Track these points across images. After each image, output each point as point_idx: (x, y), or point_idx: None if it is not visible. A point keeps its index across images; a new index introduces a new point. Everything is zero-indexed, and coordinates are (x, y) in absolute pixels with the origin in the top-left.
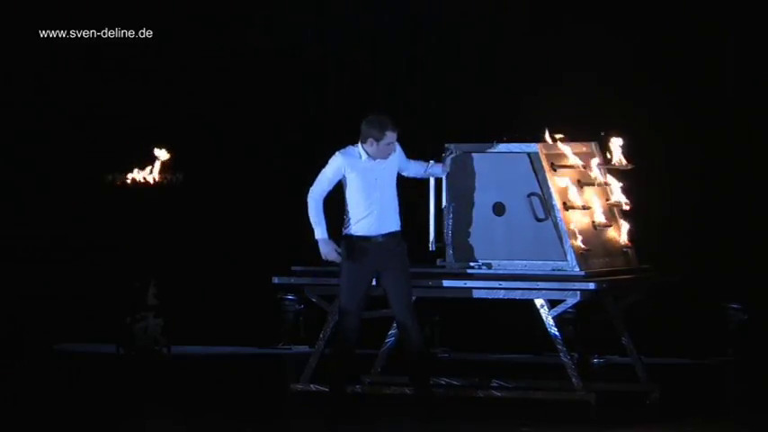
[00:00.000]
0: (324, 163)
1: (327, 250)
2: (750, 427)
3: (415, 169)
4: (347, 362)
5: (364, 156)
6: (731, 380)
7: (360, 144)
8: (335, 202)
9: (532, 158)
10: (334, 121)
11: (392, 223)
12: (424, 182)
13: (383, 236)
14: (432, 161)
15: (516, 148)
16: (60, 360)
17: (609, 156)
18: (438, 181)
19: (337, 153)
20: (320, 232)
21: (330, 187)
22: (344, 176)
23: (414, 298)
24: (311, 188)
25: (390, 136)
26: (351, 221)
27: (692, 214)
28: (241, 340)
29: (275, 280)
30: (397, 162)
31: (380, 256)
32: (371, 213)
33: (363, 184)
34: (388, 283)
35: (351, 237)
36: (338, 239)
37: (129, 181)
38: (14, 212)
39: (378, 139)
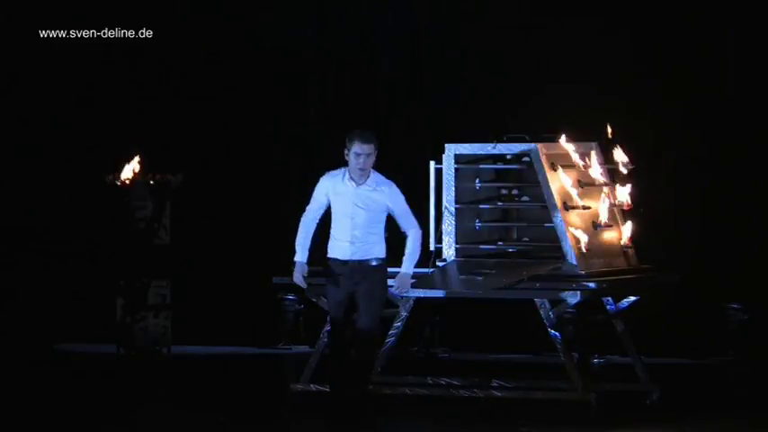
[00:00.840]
0: (323, 163)
1: (296, 274)
2: (750, 427)
3: (402, 228)
4: (341, 362)
5: (347, 178)
6: (731, 380)
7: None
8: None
9: (532, 158)
10: (334, 122)
11: (371, 251)
12: (423, 183)
13: (359, 262)
14: (407, 252)
15: (516, 148)
16: (60, 360)
17: (609, 156)
18: (438, 182)
19: (325, 175)
20: (298, 255)
21: (320, 209)
22: (329, 199)
23: (413, 298)
24: (306, 209)
25: (358, 147)
26: (331, 243)
27: (693, 214)
28: (241, 340)
29: (275, 280)
30: (387, 201)
31: (354, 278)
32: (348, 239)
33: (342, 208)
34: (359, 298)
35: (329, 259)
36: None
37: (128, 181)
38: (14, 212)
39: (347, 149)
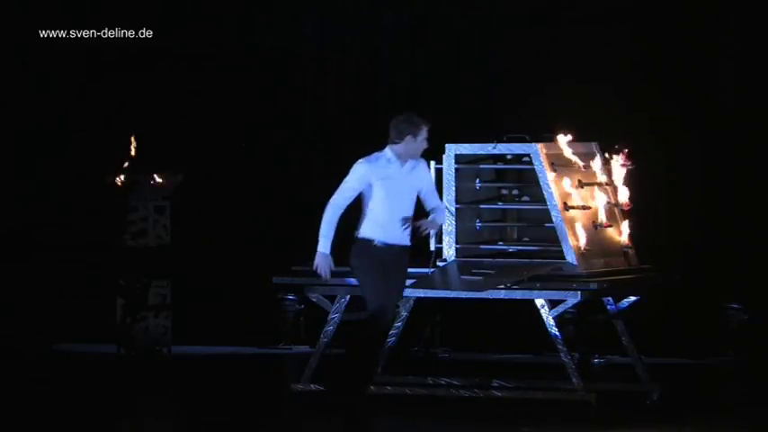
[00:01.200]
0: (323, 163)
1: (323, 265)
2: (750, 427)
3: (429, 205)
4: (375, 360)
5: (394, 160)
6: (731, 380)
7: (389, 148)
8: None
9: (533, 158)
10: (334, 122)
11: (408, 237)
12: None
13: (401, 247)
14: (437, 210)
15: (516, 148)
16: (60, 360)
17: (610, 156)
18: (438, 182)
19: (362, 161)
20: (323, 246)
21: (353, 197)
22: (370, 185)
23: (414, 298)
24: (333, 197)
25: (425, 130)
26: (370, 226)
27: (693, 214)
28: (241, 340)
29: (275, 280)
30: (421, 180)
31: (391, 260)
32: (395, 222)
33: (396, 191)
34: (397, 281)
35: (367, 240)
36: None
37: (128, 181)
38: (14, 212)
39: (415, 135)
